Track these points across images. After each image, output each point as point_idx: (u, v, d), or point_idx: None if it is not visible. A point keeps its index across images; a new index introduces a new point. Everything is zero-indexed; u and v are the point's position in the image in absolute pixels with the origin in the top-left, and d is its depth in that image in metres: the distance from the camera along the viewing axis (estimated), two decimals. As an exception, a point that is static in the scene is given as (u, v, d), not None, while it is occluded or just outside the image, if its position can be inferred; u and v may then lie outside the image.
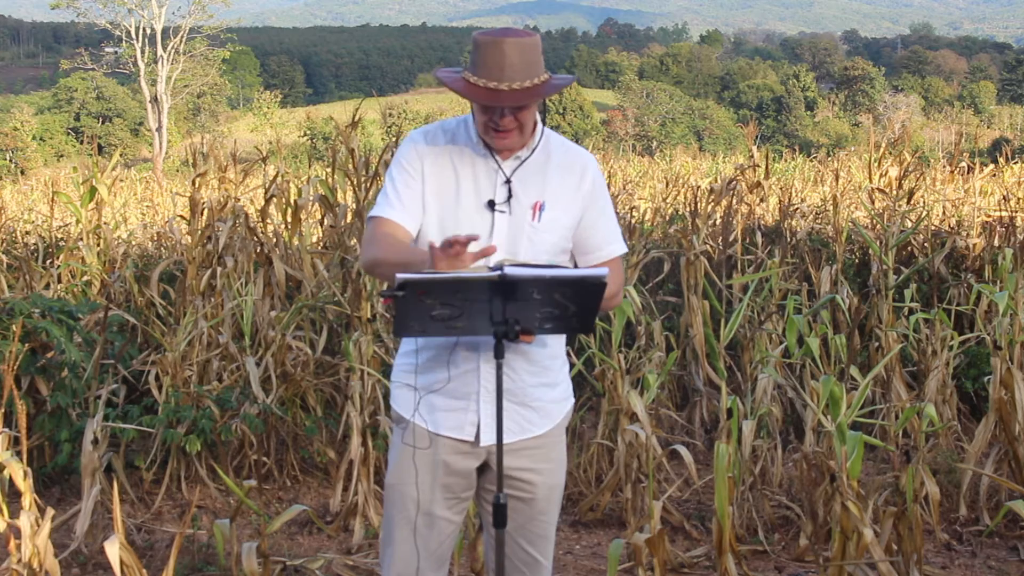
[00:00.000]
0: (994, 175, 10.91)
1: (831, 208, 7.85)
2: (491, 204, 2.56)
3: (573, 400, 2.78)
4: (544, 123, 2.68)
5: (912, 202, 7.43)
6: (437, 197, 2.58)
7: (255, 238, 6.25)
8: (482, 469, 2.65)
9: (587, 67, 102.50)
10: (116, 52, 58.91)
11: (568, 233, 2.63)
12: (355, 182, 5.70)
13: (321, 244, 6.87)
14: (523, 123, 2.52)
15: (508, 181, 2.58)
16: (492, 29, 2.54)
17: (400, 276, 2.27)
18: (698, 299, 5.89)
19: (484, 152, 2.59)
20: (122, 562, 2.83)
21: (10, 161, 51.81)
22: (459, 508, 2.67)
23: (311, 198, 6.49)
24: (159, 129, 54.63)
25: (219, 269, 5.95)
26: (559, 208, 2.60)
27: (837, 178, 10.60)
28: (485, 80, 2.45)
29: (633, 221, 7.30)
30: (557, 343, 2.68)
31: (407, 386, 2.62)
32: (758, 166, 7.85)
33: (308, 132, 58.34)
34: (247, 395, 5.03)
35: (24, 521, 2.91)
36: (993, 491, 4.71)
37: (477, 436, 2.58)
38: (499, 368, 2.41)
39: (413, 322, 2.36)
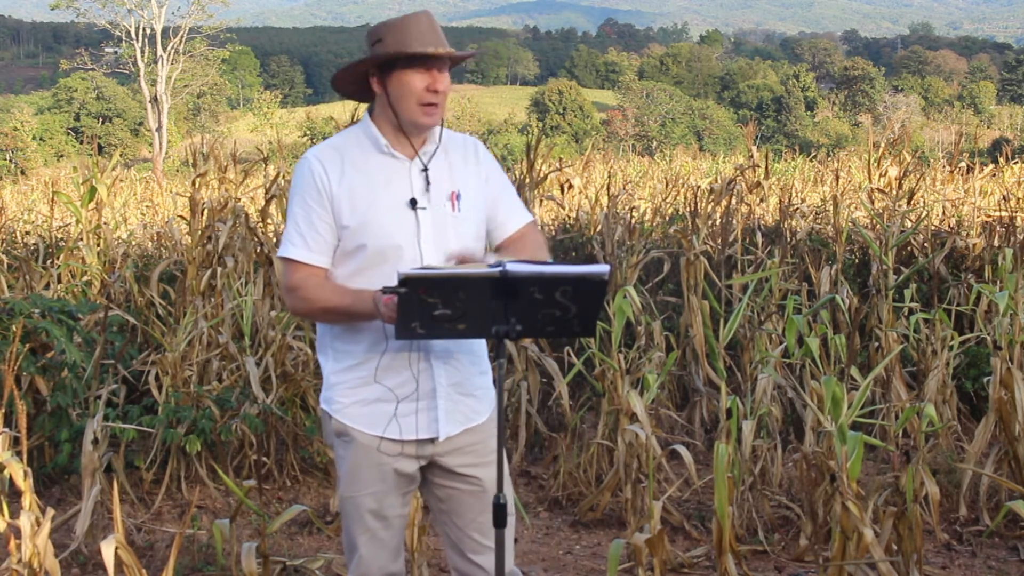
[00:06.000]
0: (994, 175, 10.92)
1: (831, 208, 7.85)
2: (413, 202, 2.59)
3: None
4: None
5: (912, 202, 7.43)
6: (354, 211, 2.57)
7: (255, 238, 6.25)
8: (428, 467, 2.69)
9: (587, 67, 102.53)
10: (116, 52, 58.93)
11: (482, 216, 2.70)
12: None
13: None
14: (446, 95, 2.59)
15: (425, 168, 2.62)
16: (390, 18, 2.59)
17: (402, 271, 2.28)
18: (698, 299, 5.89)
19: (390, 152, 2.62)
20: (122, 562, 2.83)
21: (10, 161, 51.79)
22: (407, 501, 2.73)
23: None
24: (159, 129, 54.61)
25: (219, 269, 5.96)
26: (471, 194, 2.67)
27: (837, 178, 10.61)
28: (421, 47, 2.51)
29: (633, 221, 7.30)
30: None
31: (364, 401, 2.62)
32: (758, 166, 7.85)
33: (308, 132, 58.34)
34: (247, 395, 5.03)
35: (24, 521, 2.91)
36: (993, 491, 4.71)
37: (438, 432, 2.63)
38: (501, 368, 2.43)
39: (415, 323, 2.35)
